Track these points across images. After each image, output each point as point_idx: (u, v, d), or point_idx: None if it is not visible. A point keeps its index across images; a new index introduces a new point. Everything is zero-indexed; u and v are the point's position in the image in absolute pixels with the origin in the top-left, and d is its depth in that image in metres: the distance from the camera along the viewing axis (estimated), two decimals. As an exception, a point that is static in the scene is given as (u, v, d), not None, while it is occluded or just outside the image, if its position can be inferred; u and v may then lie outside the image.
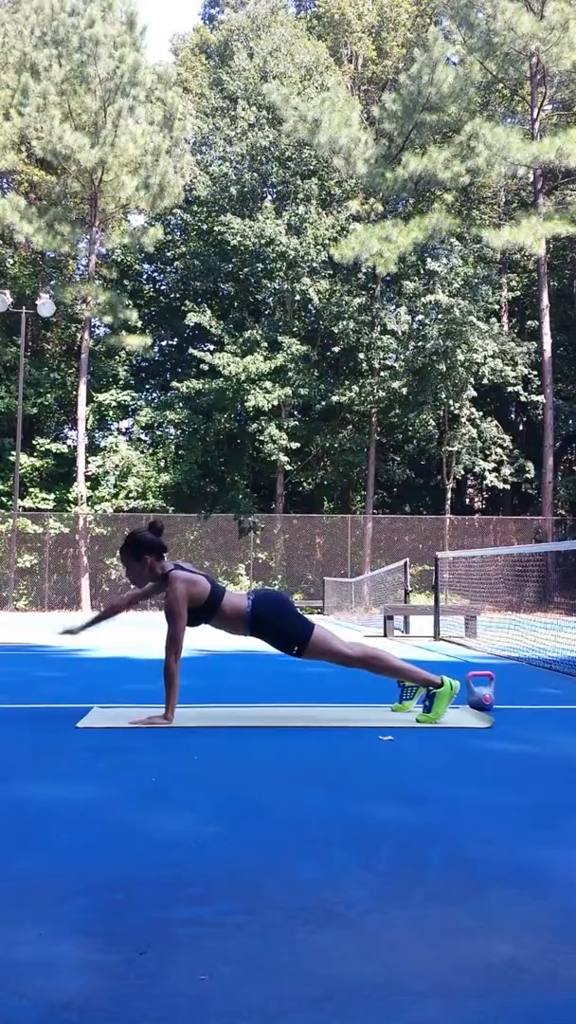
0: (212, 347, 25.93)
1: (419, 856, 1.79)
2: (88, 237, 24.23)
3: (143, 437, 26.25)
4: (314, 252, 23.99)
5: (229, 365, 23.16)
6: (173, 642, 3.44)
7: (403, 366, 24.81)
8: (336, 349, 24.63)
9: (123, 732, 3.29)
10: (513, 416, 29.15)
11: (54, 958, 1.29)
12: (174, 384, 24.97)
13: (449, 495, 25.47)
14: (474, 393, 24.34)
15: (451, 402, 24.03)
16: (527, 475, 25.37)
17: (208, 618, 3.51)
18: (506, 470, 24.87)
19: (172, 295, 28.23)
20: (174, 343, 28.82)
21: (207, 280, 26.45)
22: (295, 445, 24.17)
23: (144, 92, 23.12)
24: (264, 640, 3.56)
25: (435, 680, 3.56)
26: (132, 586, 3.71)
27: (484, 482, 25.77)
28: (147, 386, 28.33)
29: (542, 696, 4.62)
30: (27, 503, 23.83)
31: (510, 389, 24.68)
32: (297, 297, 24.64)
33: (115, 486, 24.35)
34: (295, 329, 25.14)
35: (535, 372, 24.79)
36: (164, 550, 3.59)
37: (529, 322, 26.46)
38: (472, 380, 24.04)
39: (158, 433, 26.31)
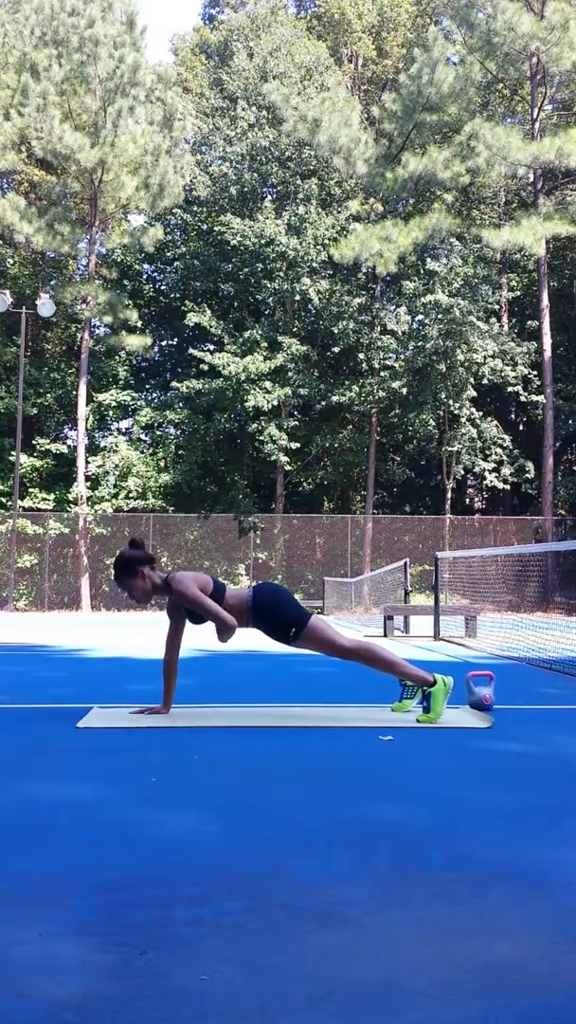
0: (212, 347, 25.93)
1: (419, 856, 1.79)
2: (88, 237, 24.24)
3: (143, 437, 26.25)
4: (314, 252, 23.99)
5: (229, 365, 23.16)
6: (217, 617, 3.44)
7: (403, 366, 24.81)
8: (336, 349, 24.63)
9: (123, 732, 3.29)
10: (513, 416, 29.16)
11: (54, 958, 1.29)
12: (174, 384, 24.98)
13: (449, 495, 25.47)
14: (474, 393, 24.35)
15: (451, 402, 24.03)
16: (527, 475, 25.37)
17: None
18: (506, 470, 24.87)
19: (172, 295, 28.23)
20: (174, 343, 28.83)
21: (207, 280, 26.44)
22: (295, 445, 24.17)
23: (144, 92, 23.13)
24: (263, 628, 3.60)
25: (428, 679, 3.58)
26: (137, 601, 3.70)
27: (484, 482, 25.78)
28: (147, 386, 28.33)
29: (542, 696, 4.62)
30: (27, 503, 23.82)
31: (510, 389, 24.69)
32: (297, 297, 24.64)
33: (115, 486, 24.35)
34: (295, 329, 25.14)
35: (535, 372, 24.79)
36: (153, 560, 3.64)
37: (529, 322, 26.46)
38: (472, 380, 24.04)
39: (158, 433, 26.32)
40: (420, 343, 23.99)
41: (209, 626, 3.64)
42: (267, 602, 3.55)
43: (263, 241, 23.97)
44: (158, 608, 20.97)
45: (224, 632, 3.47)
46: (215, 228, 25.34)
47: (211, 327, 24.55)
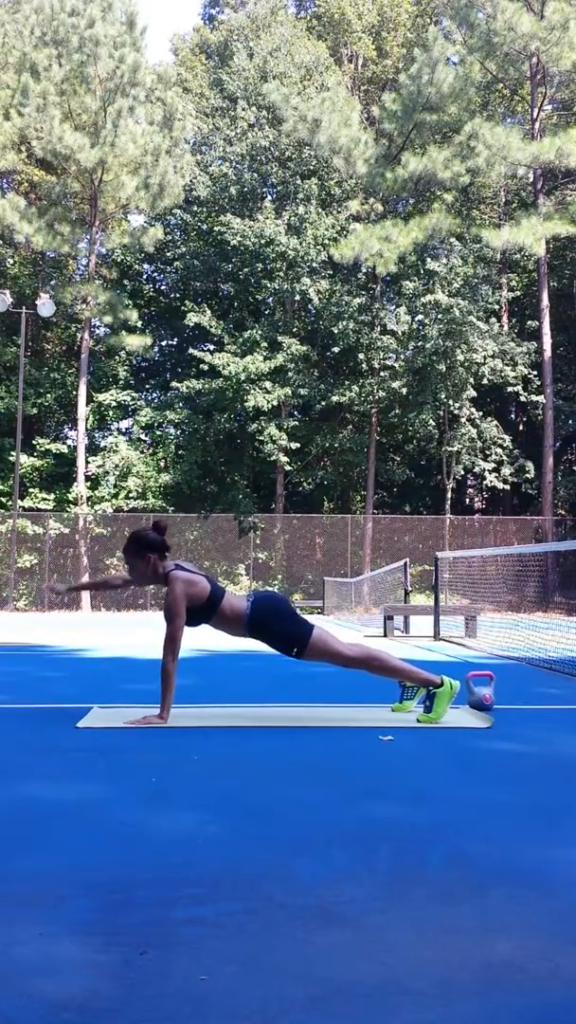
0: (212, 347, 25.93)
1: (419, 856, 1.79)
2: (88, 237, 24.23)
3: (143, 437, 26.25)
4: (314, 252, 23.99)
5: (229, 365, 23.16)
6: (171, 642, 3.46)
7: (403, 366, 24.81)
8: (336, 349, 24.63)
9: (123, 732, 3.29)
10: (513, 416, 29.16)
11: (54, 958, 1.29)
12: (174, 384, 24.97)
13: (449, 495, 25.46)
14: (474, 393, 24.35)
15: (451, 402, 24.03)
16: (527, 475, 25.36)
17: (208, 618, 3.52)
18: (506, 470, 24.87)
19: (172, 295, 28.23)
20: (174, 343, 28.83)
21: (207, 280, 26.44)
22: (295, 445, 24.17)
23: (144, 92, 23.12)
24: (263, 641, 3.57)
25: (435, 680, 3.57)
26: (133, 581, 3.72)
27: (484, 482, 25.77)
28: (147, 386, 28.33)
29: (542, 696, 4.62)
30: (27, 503, 23.82)
31: (510, 389, 24.68)
32: (297, 297, 24.64)
33: (115, 486, 24.35)
34: (295, 329, 25.14)
35: (535, 372, 24.79)
36: (167, 550, 3.62)
37: (529, 322, 26.46)
38: (472, 380, 24.04)
39: (158, 433, 26.32)
40: (420, 343, 23.99)
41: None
42: (264, 618, 3.51)
43: (263, 241, 23.97)
44: (157, 608, 20.96)
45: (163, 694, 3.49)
46: (215, 228, 25.34)
47: (211, 327, 24.54)
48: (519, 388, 24.52)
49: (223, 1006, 1.14)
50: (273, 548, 24.96)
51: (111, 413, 26.07)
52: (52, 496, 24.29)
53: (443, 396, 23.85)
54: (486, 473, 24.76)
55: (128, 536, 3.65)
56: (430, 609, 10.24)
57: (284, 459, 24.34)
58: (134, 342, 24.50)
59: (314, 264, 24.19)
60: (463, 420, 24.53)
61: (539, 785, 2.46)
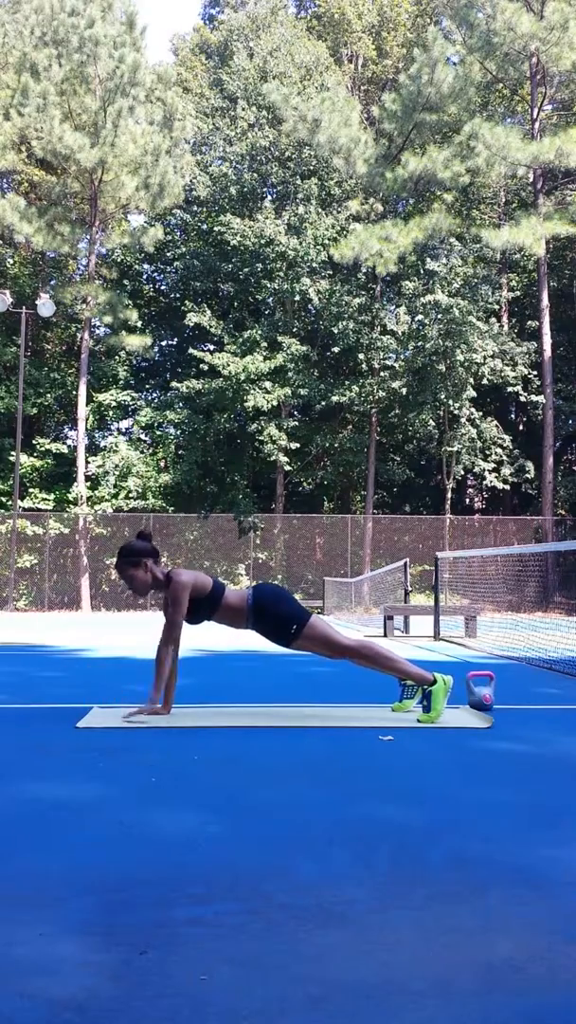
0: (212, 347, 25.93)
1: (419, 856, 1.79)
2: (88, 237, 24.23)
3: (143, 437, 26.25)
4: (314, 252, 23.99)
5: (229, 365, 23.16)
6: (172, 627, 3.54)
7: (403, 366, 24.81)
8: (336, 349, 24.63)
9: (123, 732, 3.29)
10: (513, 416, 29.15)
11: (54, 958, 1.29)
12: (174, 384, 24.97)
13: (449, 495, 25.46)
14: (474, 393, 24.35)
15: (451, 402, 24.03)
16: (527, 475, 25.36)
17: (211, 612, 3.57)
18: (506, 470, 24.87)
19: (172, 295, 28.23)
20: (174, 343, 28.83)
21: (207, 280, 26.44)
22: (295, 445, 24.17)
23: (144, 92, 23.12)
24: (263, 628, 3.61)
25: (428, 678, 3.59)
26: (135, 593, 3.74)
27: (484, 482, 25.77)
28: (147, 386, 28.32)
29: (542, 696, 4.62)
30: (27, 503, 23.82)
31: (510, 389, 24.68)
32: (297, 297, 24.63)
33: (115, 486, 24.35)
34: (295, 329, 25.14)
35: (535, 372, 24.78)
36: (158, 555, 3.67)
37: (529, 322, 26.45)
38: (472, 380, 24.05)
39: (158, 433, 26.32)
40: (420, 343, 23.99)
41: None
42: (268, 601, 3.57)
43: (263, 241, 23.97)
44: (157, 607, 20.96)
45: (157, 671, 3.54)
46: (215, 228, 25.34)
47: (211, 327, 24.54)
48: (519, 388, 24.52)
49: (223, 1006, 1.14)
50: (273, 548, 24.96)
51: (111, 413, 26.06)
52: (52, 496, 24.29)
53: (443, 396, 23.85)
54: (486, 473, 24.76)
55: (118, 553, 3.68)
56: (430, 609, 10.24)
57: (284, 459, 24.35)
58: (134, 342, 24.50)
59: (314, 264, 24.19)
60: (463, 420, 24.53)
61: (539, 785, 2.46)
